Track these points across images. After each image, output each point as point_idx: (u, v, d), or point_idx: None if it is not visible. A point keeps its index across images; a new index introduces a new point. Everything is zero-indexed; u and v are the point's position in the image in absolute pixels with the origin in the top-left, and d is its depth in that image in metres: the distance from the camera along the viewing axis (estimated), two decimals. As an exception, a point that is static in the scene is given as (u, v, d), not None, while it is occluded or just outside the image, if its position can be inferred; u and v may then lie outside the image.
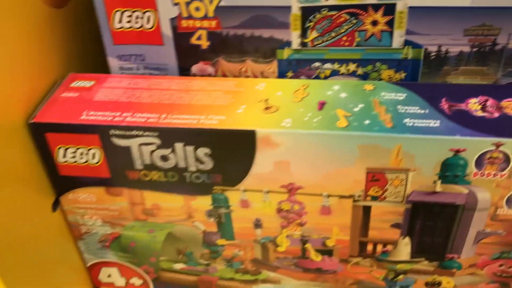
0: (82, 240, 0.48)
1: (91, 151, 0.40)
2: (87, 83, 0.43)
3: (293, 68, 0.43)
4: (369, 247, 0.43)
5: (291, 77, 0.44)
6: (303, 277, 0.47)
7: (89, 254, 0.49)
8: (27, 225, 0.40)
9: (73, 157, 0.41)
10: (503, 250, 0.41)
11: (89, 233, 0.47)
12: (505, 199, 0.38)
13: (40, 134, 0.40)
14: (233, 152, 0.39)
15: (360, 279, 0.46)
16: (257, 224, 0.43)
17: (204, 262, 0.47)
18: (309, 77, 0.43)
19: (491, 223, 0.39)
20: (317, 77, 0.43)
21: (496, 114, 0.37)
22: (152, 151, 0.40)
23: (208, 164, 0.40)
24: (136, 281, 0.51)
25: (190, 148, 0.39)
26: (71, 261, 0.49)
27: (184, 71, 0.45)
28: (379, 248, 0.43)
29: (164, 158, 0.40)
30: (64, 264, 0.47)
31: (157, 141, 0.39)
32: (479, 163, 0.36)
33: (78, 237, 0.48)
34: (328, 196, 0.40)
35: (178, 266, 0.48)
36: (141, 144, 0.39)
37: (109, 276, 0.51)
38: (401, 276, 0.45)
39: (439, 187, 0.38)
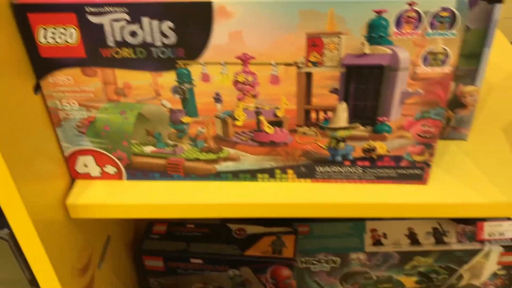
0: (60, 127, 0.53)
1: (69, 31, 0.46)
2: (62, -22, 0.49)
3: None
4: (313, 115, 0.50)
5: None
6: (259, 151, 0.53)
7: (66, 142, 0.54)
8: (11, 110, 0.46)
9: (53, 37, 0.46)
10: (423, 110, 0.49)
11: (67, 118, 0.52)
12: (421, 57, 0.45)
13: (23, 15, 0.45)
14: (193, 24, 0.45)
15: (307, 149, 0.53)
16: (217, 99, 0.50)
17: (171, 142, 0.54)
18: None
19: (412, 83, 0.47)
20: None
21: (411, -15, 0.45)
22: (122, 27, 0.46)
23: (172, 38, 0.46)
24: (110, 169, 0.57)
25: (155, 22, 0.45)
26: (51, 151, 0.54)
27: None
28: (321, 115, 0.50)
29: (133, 33, 0.46)
30: (44, 154, 0.53)
31: (126, 16, 0.45)
32: (398, 22, 0.43)
33: (57, 124, 0.53)
34: (276, 64, 0.47)
35: (148, 149, 0.54)
36: (112, 20, 0.45)
37: (85, 165, 0.56)
38: (342, 144, 0.52)
39: (367, 49, 0.45)
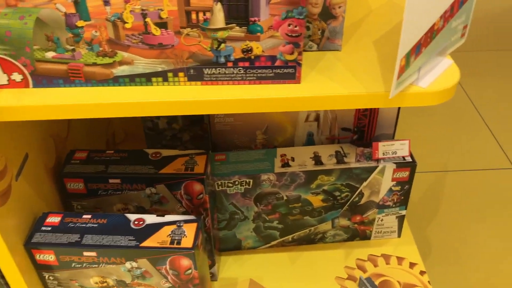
0: (-36, 35, 0.58)
1: None
2: None
3: None
4: (193, 16, 0.57)
5: None
6: (150, 54, 0.60)
7: (-28, 50, 0.59)
8: None
9: None
10: (287, 9, 0.57)
11: (-30, 25, 0.57)
12: (277, -41, 0.53)
13: None
14: None
15: (193, 51, 0.60)
16: (106, 1, 0.56)
17: (69, 47, 0.59)
18: None
19: (274, -17, 0.55)
20: None
21: None
22: None
23: None
24: (17, 76, 0.62)
25: None
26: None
27: None
28: (201, 16, 0.57)
29: None
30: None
31: None
32: None
33: (-40, 31, 0.58)
34: (154, -34, 0.53)
35: (50, 54, 0.60)
36: None
37: (-8, 74, 0.61)
38: (222, 45, 0.60)
39: (231, -50, 0.52)
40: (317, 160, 0.96)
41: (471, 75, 1.84)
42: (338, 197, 0.99)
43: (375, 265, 1.03)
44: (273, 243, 1.05)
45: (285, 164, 0.95)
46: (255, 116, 0.99)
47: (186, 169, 0.84)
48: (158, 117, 1.11)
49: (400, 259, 1.04)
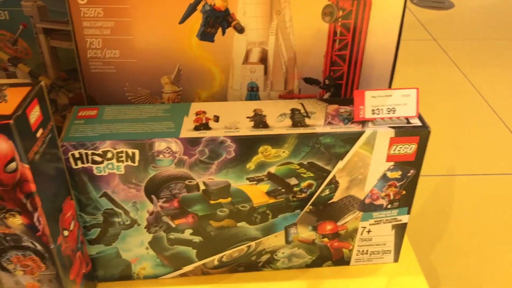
0: None
1: None
2: None
3: None
4: None
5: None
6: None
7: None
8: None
9: None
10: None
11: None
12: None
13: None
14: None
15: None
16: None
17: None
18: None
19: None
20: None
21: None
22: None
23: None
24: None
25: None
26: None
27: None
28: None
29: None
30: None
31: None
32: None
33: None
34: None
35: None
36: None
37: None
38: None
39: None
40: (259, 121, 0.55)
41: (477, 65, 1.47)
42: (295, 189, 0.57)
43: (358, 309, 0.60)
44: (186, 268, 0.62)
45: (202, 126, 0.54)
46: (157, 51, 0.57)
47: (-22, 108, 0.41)
48: (13, 63, 0.69)
49: (398, 299, 0.62)
